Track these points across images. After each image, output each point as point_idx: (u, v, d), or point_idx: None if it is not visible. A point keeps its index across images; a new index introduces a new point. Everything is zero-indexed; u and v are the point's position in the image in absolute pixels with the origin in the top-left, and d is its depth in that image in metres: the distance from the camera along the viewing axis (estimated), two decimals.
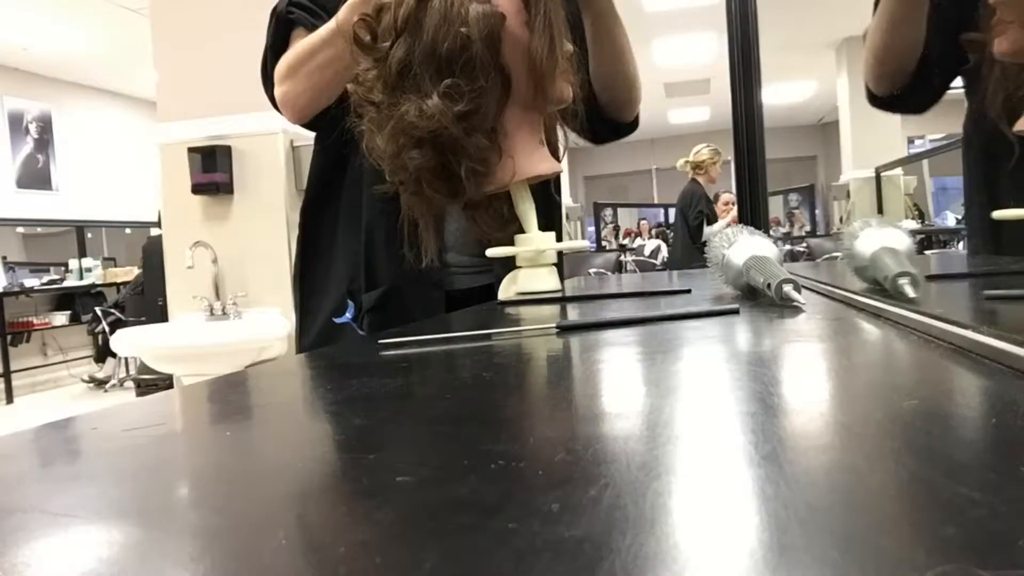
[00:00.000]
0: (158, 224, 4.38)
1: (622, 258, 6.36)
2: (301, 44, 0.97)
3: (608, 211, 8.61)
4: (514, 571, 0.17)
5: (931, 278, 0.61)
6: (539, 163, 0.94)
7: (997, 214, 0.78)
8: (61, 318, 6.42)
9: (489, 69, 0.80)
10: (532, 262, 1.07)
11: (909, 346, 0.44)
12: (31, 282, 6.27)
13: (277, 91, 1.00)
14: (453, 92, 0.78)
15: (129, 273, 6.43)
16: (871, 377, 0.39)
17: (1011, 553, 0.16)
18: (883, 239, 0.64)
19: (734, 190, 1.41)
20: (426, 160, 0.81)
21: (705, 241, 1.08)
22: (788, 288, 0.63)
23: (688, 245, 4.72)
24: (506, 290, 1.14)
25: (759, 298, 0.66)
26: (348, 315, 1.00)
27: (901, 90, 0.86)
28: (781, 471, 0.22)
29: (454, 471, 0.25)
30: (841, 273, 0.70)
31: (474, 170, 0.83)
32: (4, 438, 0.35)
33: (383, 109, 0.81)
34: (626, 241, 8.32)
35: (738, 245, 0.74)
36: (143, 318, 4.80)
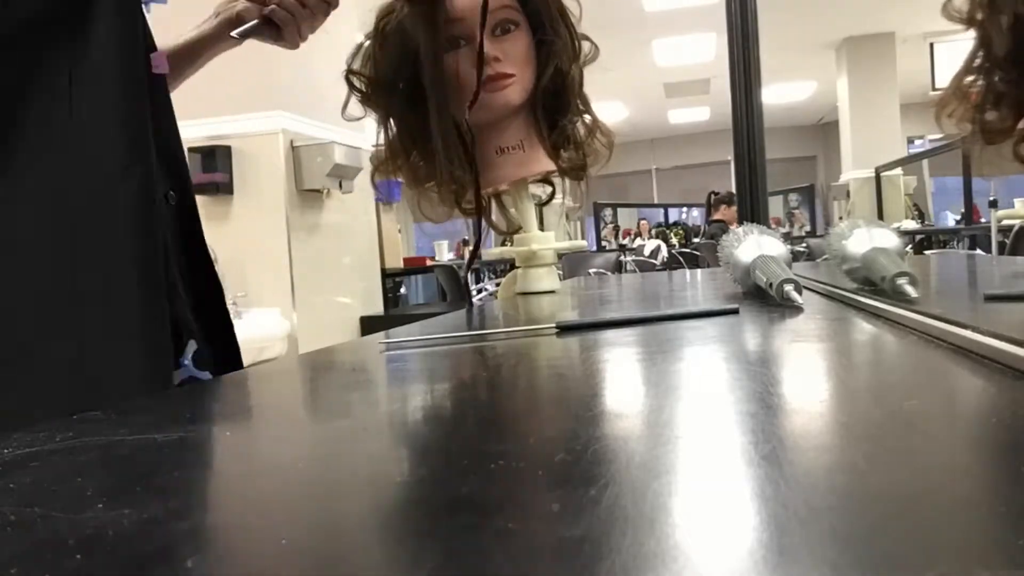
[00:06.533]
0: None
1: (622, 258, 6.35)
2: None
3: (608, 211, 8.61)
4: (514, 571, 0.17)
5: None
6: (497, 171, 1.00)
7: (997, 214, 0.78)
8: None
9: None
10: (530, 262, 1.07)
11: (908, 346, 0.44)
12: None
13: None
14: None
15: None
16: (871, 377, 0.39)
17: (1011, 553, 0.16)
18: (873, 239, 0.64)
19: (734, 190, 1.41)
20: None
21: None
22: (788, 288, 0.63)
23: None
24: (506, 291, 1.14)
25: (768, 297, 0.66)
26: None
27: None
28: (781, 471, 0.22)
29: (454, 471, 0.25)
30: (840, 273, 0.70)
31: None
32: None
33: None
34: (626, 241, 8.31)
35: (747, 244, 0.74)
36: None
